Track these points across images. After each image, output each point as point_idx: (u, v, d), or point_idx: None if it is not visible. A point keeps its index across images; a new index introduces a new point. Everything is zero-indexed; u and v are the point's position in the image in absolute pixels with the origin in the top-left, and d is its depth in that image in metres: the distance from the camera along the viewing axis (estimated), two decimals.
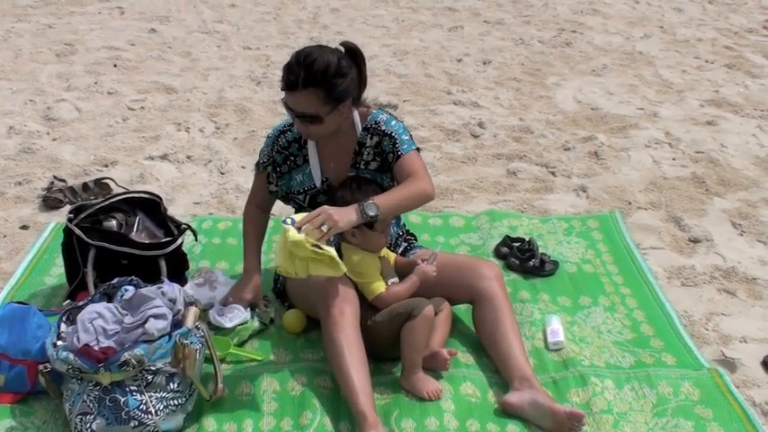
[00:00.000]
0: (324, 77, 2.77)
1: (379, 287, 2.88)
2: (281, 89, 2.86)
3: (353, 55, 2.88)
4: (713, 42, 7.46)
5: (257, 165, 3.19)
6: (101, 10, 8.40)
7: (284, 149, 3.09)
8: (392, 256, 3.08)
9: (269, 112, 5.52)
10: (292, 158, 3.10)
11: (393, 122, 3.02)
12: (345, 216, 2.69)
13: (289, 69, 2.81)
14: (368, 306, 2.87)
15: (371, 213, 2.73)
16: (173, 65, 6.63)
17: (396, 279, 2.98)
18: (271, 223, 3.36)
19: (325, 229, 2.63)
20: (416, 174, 2.92)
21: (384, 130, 2.99)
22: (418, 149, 3.02)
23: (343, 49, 2.88)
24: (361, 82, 2.94)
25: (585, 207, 4.26)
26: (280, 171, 3.11)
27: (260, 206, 3.25)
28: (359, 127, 3.02)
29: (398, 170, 2.96)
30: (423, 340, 2.80)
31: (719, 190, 4.48)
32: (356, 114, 3.02)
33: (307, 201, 3.11)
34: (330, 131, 2.94)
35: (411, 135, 3.05)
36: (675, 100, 5.95)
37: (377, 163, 3.03)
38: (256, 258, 3.21)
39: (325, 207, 2.69)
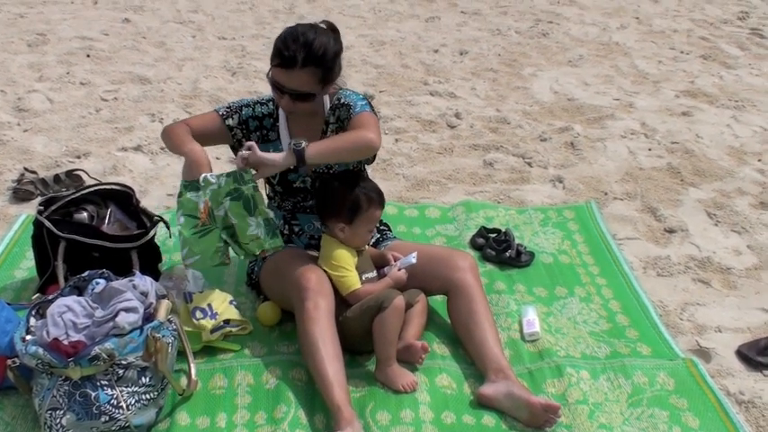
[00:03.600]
0: (323, 59, 2.83)
1: (354, 283, 2.87)
2: (273, 65, 2.85)
3: (334, 31, 2.93)
4: (689, 33, 7.49)
5: (217, 110, 3.10)
6: None
7: (258, 119, 3.08)
8: (367, 248, 3.06)
9: None
10: (264, 131, 3.09)
11: (353, 96, 3.03)
12: (269, 158, 2.77)
13: (285, 46, 2.81)
14: (341, 301, 2.86)
15: (297, 148, 2.73)
16: (147, 55, 6.56)
17: (373, 274, 2.97)
18: None
19: (245, 151, 2.76)
20: (362, 126, 2.87)
21: (343, 102, 3.01)
22: (373, 112, 2.99)
23: (324, 26, 2.90)
24: None
25: (562, 197, 4.26)
26: (247, 136, 3.09)
27: (194, 132, 3.00)
28: (327, 106, 3.04)
29: (349, 128, 2.94)
30: (394, 332, 2.78)
31: (695, 180, 4.50)
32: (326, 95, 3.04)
33: (277, 178, 3.09)
34: (313, 109, 2.97)
35: (370, 104, 3.03)
36: (651, 90, 5.97)
37: None
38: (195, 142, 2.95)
39: (262, 157, 2.77)
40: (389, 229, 3.36)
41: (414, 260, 2.96)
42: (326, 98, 3.05)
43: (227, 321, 3.00)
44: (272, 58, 2.86)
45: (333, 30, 2.92)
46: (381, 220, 3.33)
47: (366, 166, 3.17)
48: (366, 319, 2.79)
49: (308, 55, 2.80)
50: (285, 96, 2.89)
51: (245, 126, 3.07)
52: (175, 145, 2.96)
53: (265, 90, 5.66)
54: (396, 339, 2.79)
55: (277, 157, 2.77)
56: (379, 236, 3.25)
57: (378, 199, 2.94)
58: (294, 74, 2.82)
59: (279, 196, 3.15)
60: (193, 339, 2.89)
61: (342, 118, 3.01)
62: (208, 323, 2.92)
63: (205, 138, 3.03)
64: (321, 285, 2.80)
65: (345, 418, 2.51)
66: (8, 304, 2.84)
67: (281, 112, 3.06)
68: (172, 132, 3.01)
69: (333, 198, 2.91)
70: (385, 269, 2.99)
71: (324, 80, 2.88)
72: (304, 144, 2.73)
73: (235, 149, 3.12)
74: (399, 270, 2.96)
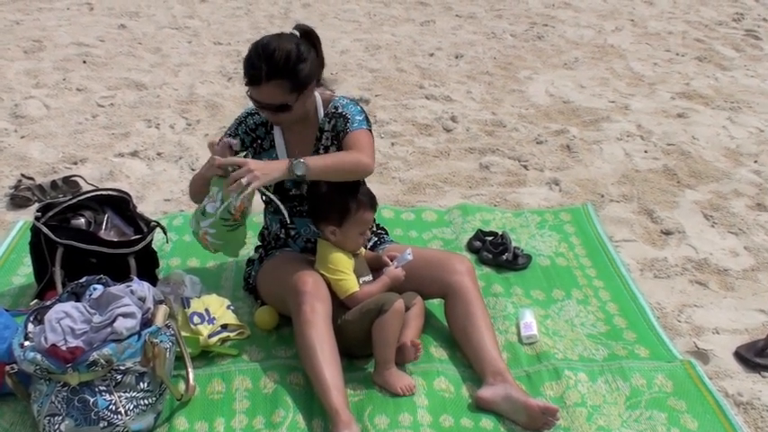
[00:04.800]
0: (286, 67, 2.79)
1: (352, 286, 2.87)
2: (246, 84, 2.86)
3: (309, 36, 2.90)
4: (684, 35, 7.50)
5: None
6: (69, 6, 8.29)
7: (252, 131, 3.09)
8: (363, 251, 3.07)
9: (240, 107, 5.47)
10: (259, 141, 3.09)
11: (351, 107, 3.03)
12: (269, 174, 2.69)
13: (250, 64, 2.81)
14: (339, 304, 2.86)
15: (299, 173, 2.71)
16: (143, 61, 6.56)
17: (369, 277, 2.97)
18: None
19: (244, 182, 2.64)
20: (358, 147, 2.88)
21: (340, 112, 3.01)
22: (370, 130, 3.00)
23: (298, 32, 2.88)
24: (320, 63, 2.96)
25: (558, 200, 4.27)
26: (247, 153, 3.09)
27: None
28: (321, 112, 3.04)
29: (344, 145, 2.94)
30: (394, 335, 2.78)
31: (691, 182, 4.50)
32: (319, 100, 3.04)
33: (272, 186, 3.09)
34: (299, 116, 2.95)
35: (367, 118, 3.04)
36: (647, 93, 5.97)
37: (335, 147, 3.02)
38: None
39: (250, 162, 2.69)
40: (386, 233, 3.36)
41: (409, 257, 2.96)
42: (320, 104, 3.04)
43: (224, 326, 3.00)
44: (243, 76, 2.87)
45: (306, 34, 2.89)
46: (378, 224, 3.34)
47: None
48: (366, 322, 2.79)
49: (270, 68, 2.77)
50: (265, 111, 2.90)
51: (244, 143, 3.08)
52: (196, 179, 3.00)
53: None
54: (395, 342, 2.80)
55: (277, 174, 2.72)
56: (376, 239, 3.25)
57: (368, 201, 2.94)
58: (263, 89, 2.81)
59: (273, 196, 3.14)
60: (191, 344, 2.89)
61: (338, 129, 3.00)
62: (205, 328, 2.92)
63: None
64: (318, 289, 2.80)
65: (343, 421, 2.52)
66: (6, 311, 2.84)
67: None
68: (193, 179, 3.07)
69: (322, 202, 2.92)
70: (384, 270, 2.99)
71: (295, 89, 2.84)
72: (303, 168, 2.71)
73: None
74: (396, 268, 2.96)
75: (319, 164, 2.77)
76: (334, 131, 3.02)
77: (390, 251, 3.10)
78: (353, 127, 2.95)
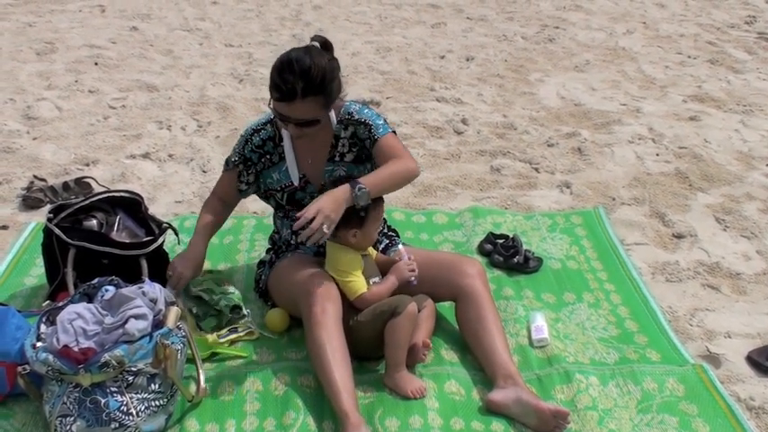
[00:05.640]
0: (322, 85, 2.79)
1: (361, 287, 2.87)
2: (276, 99, 2.81)
3: (328, 48, 2.89)
4: (695, 38, 7.48)
5: (227, 161, 3.17)
6: (81, 8, 8.33)
7: (259, 148, 3.08)
8: (374, 253, 3.07)
9: (251, 109, 5.48)
10: (268, 156, 3.09)
11: (366, 111, 3.03)
12: (337, 210, 2.70)
13: (282, 79, 2.76)
14: (350, 306, 2.86)
15: (362, 203, 2.75)
16: (154, 63, 6.58)
17: (379, 278, 2.97)
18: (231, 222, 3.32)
19: (326, 229, 2.66)
20: (398, 154, 2.91)
21: (358, 119, 3.00)
22: (394, 132, 3.01)
23: (317, 44, 2.87)
24: None
25: (569, 203, 4.26)
26: (255, 170, 3.10)
27: (223, 199, 3.21)
28: (334, 120, 3.03)
29: (378, 153, 2.95)
30: (406, 338, 2.78)
31: (703, 185, 4.49)
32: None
33: (285, 198, 3.10)
34: (321, 128, 2.95)
35: (385, 119, 3.05)
36: (658, 95, 5.96)
37: (353, 154, 3.02)
38: (205, 238, 3.13)
39: (319, 207, 2.67)
40: (397, 235, 3.36)
41: (401, 247, 3.05)
42: (332, 111, 3.03)
43: (234, 328, 3.01)
44: (270, 90, 2.83)
45: (325, 46, 2.88)
46: (390, 226, 3.34)
47: None
48: (378, 324, 2.79)
49: (306, 85, 2.75)
50: (290, 124, 2.88)
51: (250, 162, 3.10)
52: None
53: None
54: (407, 345, 2.80)
55: (344, 206, 2.73)
56: (387, 241, 3.25)
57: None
58: (296, 105, 2.79)
59: (285, 209, 3.16)
60: (202, 346, 2.89)
61: (362, 137, 2.99)
62: None
63: (235, 197, 3.20)
64: (328, 290, 2.81)
65: (353, 424, 2.52)
66: (18, 311, 2.84)
67: (284, 132, 3.04)
68: (199, 213, 3.21)
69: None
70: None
71: (327, 104, 2.87)
72: (367, 196, 2.74)
73: (263, 197, 3.21)
74: (400, 260, 2.98)
75: (377, 184, 2.79)
76: (354, 138, 3.01)
77: (398, 254, 3.10)
78: (380, 133, 2.96)
